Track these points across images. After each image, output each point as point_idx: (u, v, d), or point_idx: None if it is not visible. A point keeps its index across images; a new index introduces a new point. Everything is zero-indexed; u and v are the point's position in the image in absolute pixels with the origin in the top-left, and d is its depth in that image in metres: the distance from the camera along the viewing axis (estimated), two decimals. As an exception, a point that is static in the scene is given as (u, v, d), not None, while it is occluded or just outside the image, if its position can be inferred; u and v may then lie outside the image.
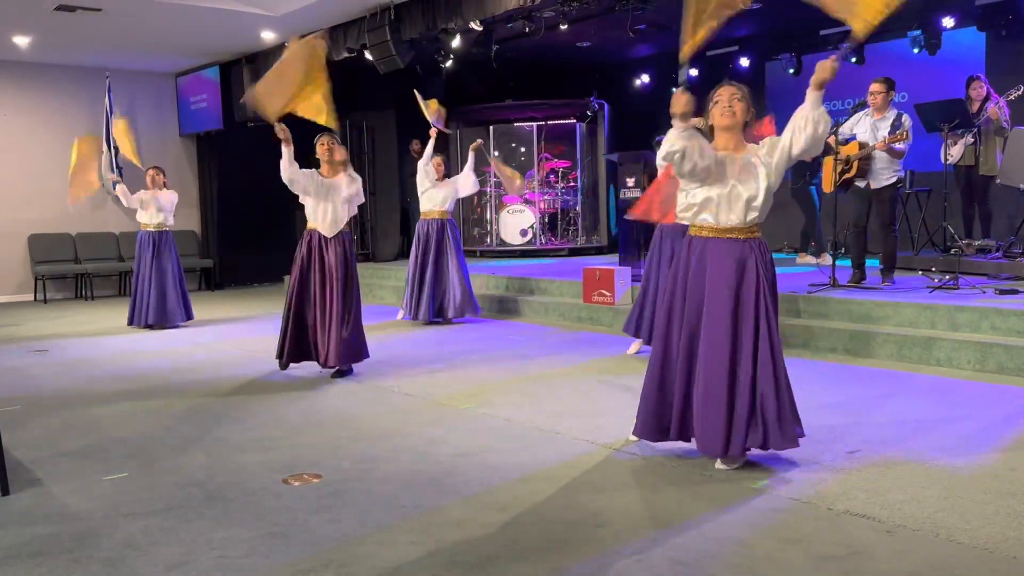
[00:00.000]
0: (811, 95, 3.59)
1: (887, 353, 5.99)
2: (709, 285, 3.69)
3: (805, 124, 3.60)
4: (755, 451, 3.72)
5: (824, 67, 3.52)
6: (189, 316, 8.89)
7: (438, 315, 8.33)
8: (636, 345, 6.43)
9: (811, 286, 7.12)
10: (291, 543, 3.05)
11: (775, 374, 3.61)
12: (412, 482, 3.67)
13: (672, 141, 3.56)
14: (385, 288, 10.77)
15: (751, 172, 3.70)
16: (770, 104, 12.11)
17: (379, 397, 5.36)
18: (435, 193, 8.39)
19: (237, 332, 8.35)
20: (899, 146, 6.79)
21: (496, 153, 12.94)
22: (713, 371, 3.63)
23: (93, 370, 6.53)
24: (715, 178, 3.68)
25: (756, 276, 3.67)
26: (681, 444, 3.94)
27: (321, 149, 6.03)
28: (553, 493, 3.48)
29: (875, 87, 6.96)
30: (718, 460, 3.73)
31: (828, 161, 7.34)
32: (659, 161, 5.00)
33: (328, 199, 5.92)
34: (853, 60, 10.42)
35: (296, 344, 5.98)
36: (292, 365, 6.24)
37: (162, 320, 8.64)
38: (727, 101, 3.71)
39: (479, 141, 8.64)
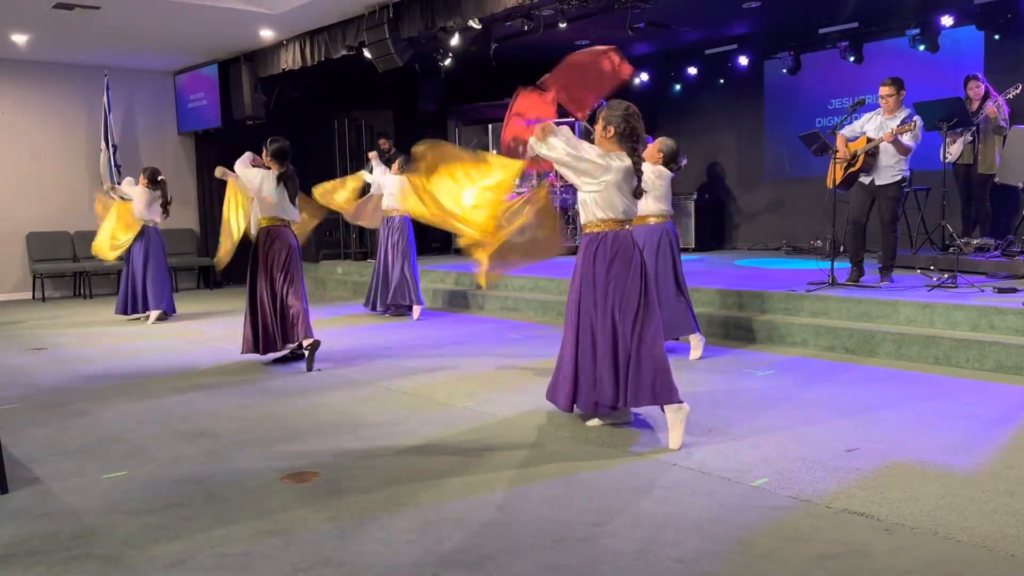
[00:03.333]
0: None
1: (885, 352, 5.99)
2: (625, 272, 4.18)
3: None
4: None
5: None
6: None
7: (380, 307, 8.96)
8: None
9: (809, 284, 7.13)
10: (290, 541, 3.05)
11: None
12: (411, 480, 3.67)
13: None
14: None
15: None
16: (768, 102, 12.13)
17: (378, 395, 5.36)
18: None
19: (236, 330, 8.33)
20: (907, 141, 6.74)
21: (495, 152, 12.93)
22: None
23: (91, 368, 6.52)
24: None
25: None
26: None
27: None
28: (553, 491, 3.48)
29: (885, 90, 6.87)
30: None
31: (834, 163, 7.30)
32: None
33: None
34: (852, 59, 10.43)
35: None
36: (290, 363, 6.30)
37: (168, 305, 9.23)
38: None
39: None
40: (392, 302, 8.77)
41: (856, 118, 7.17)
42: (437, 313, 9.20)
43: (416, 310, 8.76)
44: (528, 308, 8.77)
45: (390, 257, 8.77)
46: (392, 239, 8.78)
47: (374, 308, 8.98)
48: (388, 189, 8.81)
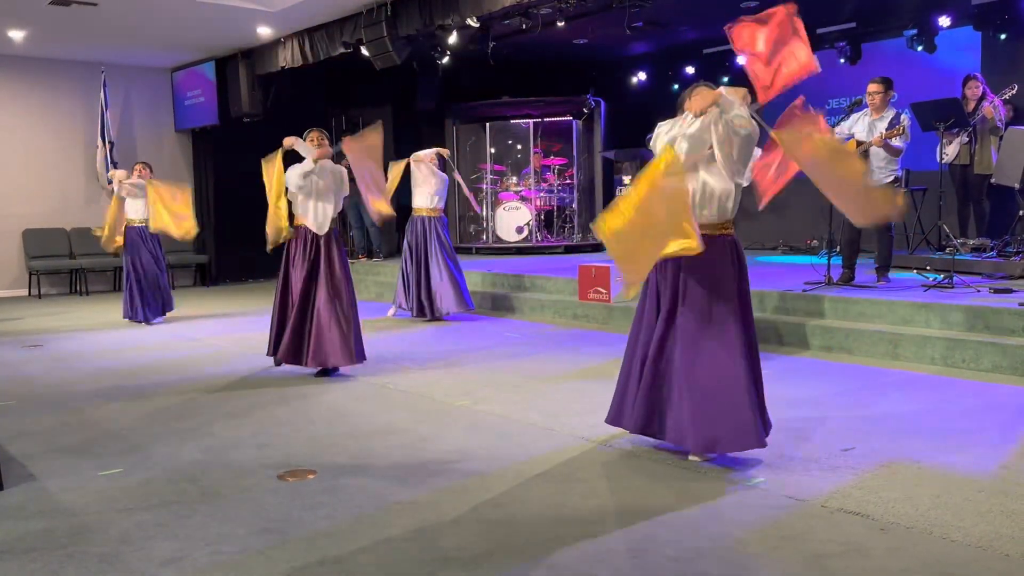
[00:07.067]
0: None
1: (882, 351, 6.00)
2: (687, 284, 3.71)
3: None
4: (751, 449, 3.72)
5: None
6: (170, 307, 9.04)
7: (424, 312, 8.39)
8: None
9: (806, 284, 7.13)
10: (286, 539, 3.04)
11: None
12: (407, 479, 3.67)
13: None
14: (382, 284, 10.76)
15: (717, 168, 3.72)
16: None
17: (374, 394, 5.36)
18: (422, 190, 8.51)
19: (232, 328, 8.34)
20: (896, 143, 6.76)
21: (493, 150, 12.95)
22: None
23: (87, 365, 6.51)
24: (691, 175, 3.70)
25: (719, 273, 3.71)
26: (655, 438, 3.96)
27: (311, 145, 5.89)
28: (548, 490, 3.48)
29: (873, 87, 6.93)
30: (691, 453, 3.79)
31: None
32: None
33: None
34: (842, 61, 10.43)
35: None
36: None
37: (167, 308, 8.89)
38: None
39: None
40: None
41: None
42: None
43: (392, 309, 8.77)
44: (526, 309, 8.78)
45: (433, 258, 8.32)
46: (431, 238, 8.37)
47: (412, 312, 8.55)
48: (434, 189, 8.41)
